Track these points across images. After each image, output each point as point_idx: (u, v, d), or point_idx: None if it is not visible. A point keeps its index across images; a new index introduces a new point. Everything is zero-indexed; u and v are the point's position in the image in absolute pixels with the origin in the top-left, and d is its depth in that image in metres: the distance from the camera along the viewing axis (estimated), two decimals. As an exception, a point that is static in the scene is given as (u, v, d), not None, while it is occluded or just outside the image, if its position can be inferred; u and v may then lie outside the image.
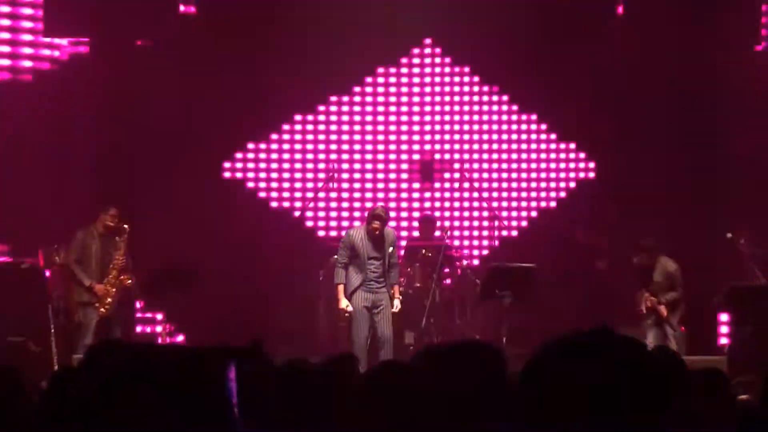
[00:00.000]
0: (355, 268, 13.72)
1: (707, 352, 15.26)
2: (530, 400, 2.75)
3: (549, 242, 17.22)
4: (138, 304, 16.75)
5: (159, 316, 16.79)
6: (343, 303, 13.66)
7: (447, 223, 15.47)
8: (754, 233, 16.12)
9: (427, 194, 18.17)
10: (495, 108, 18.23)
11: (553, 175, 18.09)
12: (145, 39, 17.43)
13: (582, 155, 17.98)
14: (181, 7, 17.42)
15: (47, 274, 15.54)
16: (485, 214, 17.50)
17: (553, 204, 18.12)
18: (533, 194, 18.17)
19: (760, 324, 14.92)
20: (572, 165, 18.04)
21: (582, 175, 17.99)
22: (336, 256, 14.05)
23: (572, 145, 18.02)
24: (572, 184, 18.06)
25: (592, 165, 17.96)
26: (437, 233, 14.63)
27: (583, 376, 2.67)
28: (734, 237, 15.71)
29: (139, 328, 16.80)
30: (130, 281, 14.68)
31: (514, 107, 18.15)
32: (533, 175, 18.14)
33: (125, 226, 14.69)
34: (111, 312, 14.41)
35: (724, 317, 16.76)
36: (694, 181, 17.02)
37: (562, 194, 18.08)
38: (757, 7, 17.11)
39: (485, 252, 17.85)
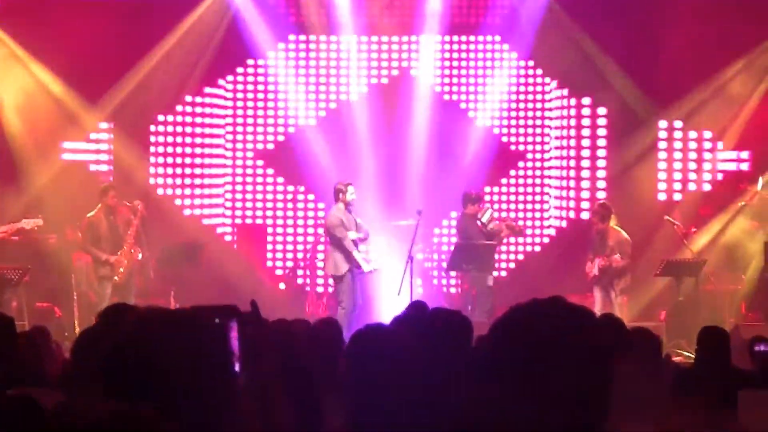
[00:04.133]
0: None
1: (648, 319, 15.36)
2: (493, 360, 2.78)
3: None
4: (151, 274, 16.72)
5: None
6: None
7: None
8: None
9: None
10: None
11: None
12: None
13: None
14: None
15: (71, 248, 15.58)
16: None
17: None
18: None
19: (690, 294, 15.08)
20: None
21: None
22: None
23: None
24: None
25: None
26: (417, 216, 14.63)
27: (538, 339, 2.70)
28: (671, 219, 15.90)
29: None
30: (140, 255, 14.68)
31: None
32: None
33: (138, 205, 14.68)
34: (123, 281, 14.40)
35: (661, 288, 16.84)
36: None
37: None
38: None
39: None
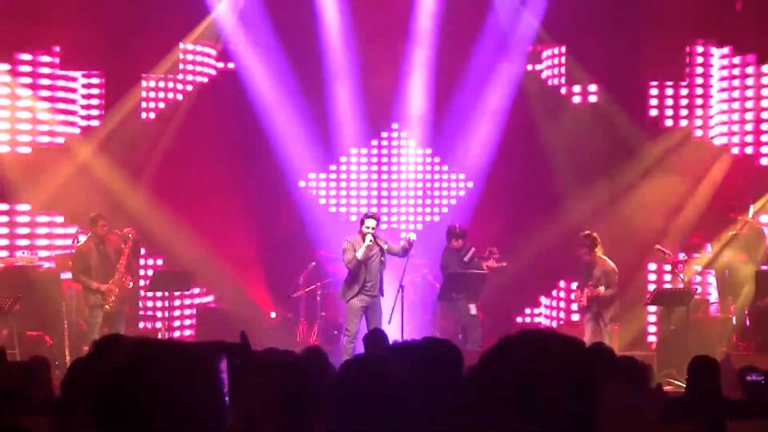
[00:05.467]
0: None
1: (639, 348, 15.36)
2: (483, 390, 2.78)
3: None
4: (140, 303, 16.73)
5: (158, 314, 16.83)
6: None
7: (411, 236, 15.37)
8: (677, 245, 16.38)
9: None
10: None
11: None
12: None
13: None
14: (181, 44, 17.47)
15: (62, 277, 15.58)
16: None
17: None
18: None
19: (680, 323, 15.06)
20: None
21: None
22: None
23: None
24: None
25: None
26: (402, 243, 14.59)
27: (527, 369, 2.71)
28: (661, 248, 15.90)
29: (141, 325, 16.78)
30: (131, 283, 14.67)
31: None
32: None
33: (129, 233, 14.68)
34: (114, 309, 14.38)
35: (652, 317, 16.86)
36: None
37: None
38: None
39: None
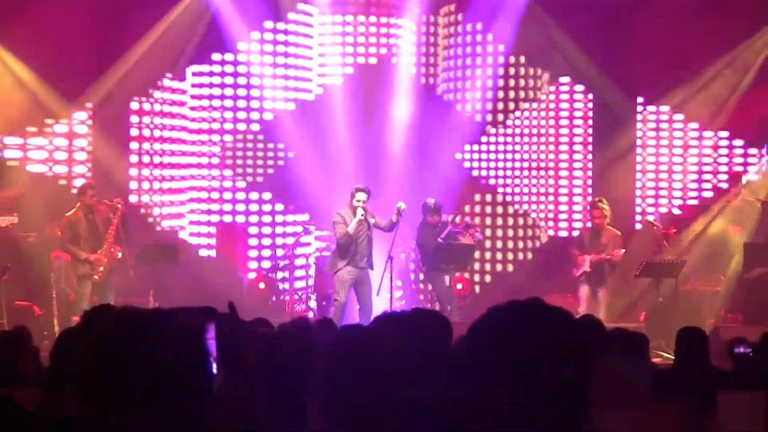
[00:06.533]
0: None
1: (628, 320, 15.40)
2: (472, 361, 2.78)
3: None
4: (131, 272, 16.70)
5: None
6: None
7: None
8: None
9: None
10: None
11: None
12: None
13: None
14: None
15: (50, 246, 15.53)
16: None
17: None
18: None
19: (669, 295, 15.10)
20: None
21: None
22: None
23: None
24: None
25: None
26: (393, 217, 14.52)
27: (516, 338, 2.71)
28: (651, 221, 15.93)
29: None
30: (120, 254, 14.62)
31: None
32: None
33: (118, 204, 14.62)
34: (103, 279, 14.34)
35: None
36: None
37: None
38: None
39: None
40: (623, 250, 14.72)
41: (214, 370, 3.12)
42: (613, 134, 17.69)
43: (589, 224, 15.66)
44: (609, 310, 14.79)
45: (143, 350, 2.74)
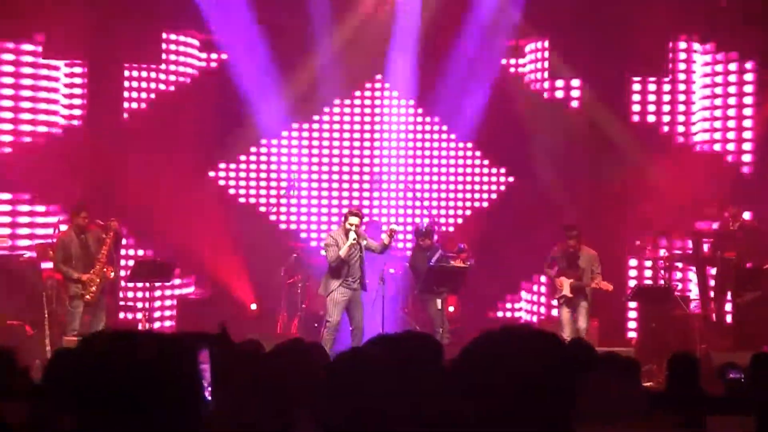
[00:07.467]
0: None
1: (619, 344, 15.40)
2: (462, 383, 2.81)
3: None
4: (121, 294, 16.69)
5: (139, 305, 16.81)
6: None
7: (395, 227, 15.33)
8: (657, 240, 16.40)
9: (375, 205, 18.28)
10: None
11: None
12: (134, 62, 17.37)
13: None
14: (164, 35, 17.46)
15: (42, 266, 15.54)
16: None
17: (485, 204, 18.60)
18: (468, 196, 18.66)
19: (661, 320, 15.10)
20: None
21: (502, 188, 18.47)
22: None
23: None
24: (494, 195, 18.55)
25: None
26: (385, 239, 14.55)
27: (506, 363, 2.74)
28: (642, 244, 15.95)
29: (121, 315, 16.73)
30: (113, 274, 14.60)
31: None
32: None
33: (112, 223, 14.62)
34: (95, 300, 14.32)
35: (632, 314, 16.90)
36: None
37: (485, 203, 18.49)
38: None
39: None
40: (600, 279, 14.55)
41: (207, 393, 3.13)
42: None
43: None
44: (593, 335, 14.73)
45: (137, 370, 2.75)
